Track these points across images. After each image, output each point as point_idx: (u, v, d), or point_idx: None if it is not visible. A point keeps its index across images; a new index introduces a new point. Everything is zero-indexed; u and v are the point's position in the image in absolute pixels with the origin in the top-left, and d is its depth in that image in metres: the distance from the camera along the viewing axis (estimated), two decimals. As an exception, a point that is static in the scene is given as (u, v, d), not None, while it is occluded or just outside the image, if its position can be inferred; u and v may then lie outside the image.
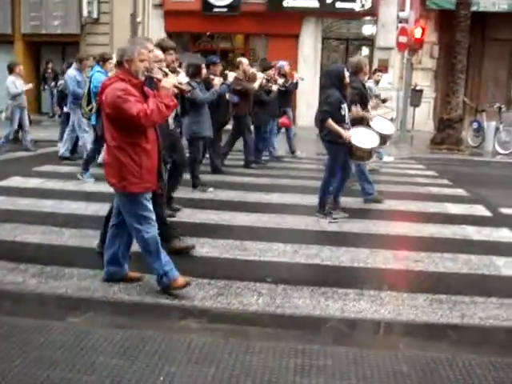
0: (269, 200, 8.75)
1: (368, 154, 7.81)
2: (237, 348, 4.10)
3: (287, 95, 13.02)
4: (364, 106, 8.34)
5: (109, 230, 5.29)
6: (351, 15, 20.19)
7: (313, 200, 8.06)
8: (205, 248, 6.29)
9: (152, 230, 4.94)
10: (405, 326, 4.70)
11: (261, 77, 11.29)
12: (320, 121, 7.65)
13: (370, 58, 20.42)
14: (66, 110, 12.75)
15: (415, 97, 18.81)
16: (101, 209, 7.06)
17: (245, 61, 11.52)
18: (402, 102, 17.68)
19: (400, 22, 18.10)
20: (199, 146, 9.21)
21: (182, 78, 5.49)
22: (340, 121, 7.50)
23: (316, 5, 19.83)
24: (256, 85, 11.05)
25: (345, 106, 7.62)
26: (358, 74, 8.31)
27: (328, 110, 7.49)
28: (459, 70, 16.36)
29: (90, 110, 9.59)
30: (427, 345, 4.38)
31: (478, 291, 5.39)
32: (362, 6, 19.63)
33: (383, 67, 19.08)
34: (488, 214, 8.54)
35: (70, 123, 11.92)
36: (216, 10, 20.25)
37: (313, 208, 7.92)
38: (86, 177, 9.88)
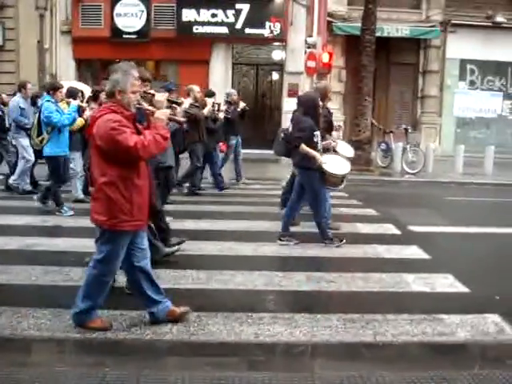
0: (184, 227, 8.67)
1: (341, 180, 7.90)
2: (151, 379, 4.01)
3: (231, 123, 12.98)
4: (330, 131, 8.46)
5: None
6: (261, 41, 20.47)
7: (229, 225, 8.06)
8: (118, 278, 6.14)
9: (109, 275, 4.80)
10: (319, 347, 4.72)
11: (210, 103, 11.31)
12: (294, 147, 7.73)
13: (280, 82, 20.77)
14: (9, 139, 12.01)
15: (325, 119, 19.18)
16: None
17: (196, 88, 11.41)
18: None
19: (308, 47, 18.53)
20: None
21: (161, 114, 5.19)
22: (313, 148, 7.60)
23: (225, 31, 20.01)
24: (205, 111, 11.00)
25: (318, 133, 7.72)
26: (324, 99, 8.42)
27: (301, 137, 7.58)
28: (366, 93, 16.88)
29: (41, 142, 9.24)
30: (342, 364, 4.43)
31: (390, 308, 5.51)
32: (271, 31, 19.94)
33: (293, 92, 19.42)
34: (397, 232, 8.79)
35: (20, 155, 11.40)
36: (125, 36, 20.10)
37: (227, 233, 7.89)
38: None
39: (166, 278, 6.15)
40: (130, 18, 20.04)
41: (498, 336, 4.98)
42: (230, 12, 19.91)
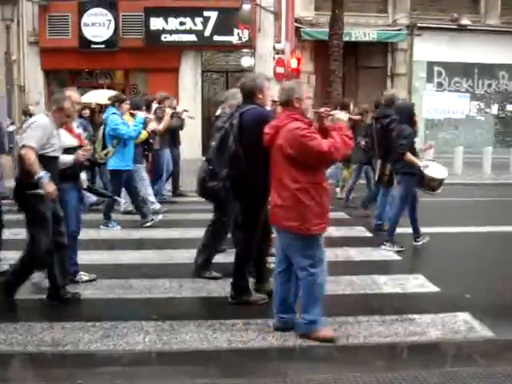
0: (154, 236, 8.64)
1: (439, 183, 8.07)
2: (124, 390, 4.00)
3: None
4: None
5: (277, 276, 5.06)
6: (229, 48, 20.51)
7: (196, 233, 8.01)
8: (88, 290, 6.11)
9: (323, 275, 4.84)
10: (292, 352, 4.74)
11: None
12: (400, 154, 7.86)
13: (251, 88, 20.76)
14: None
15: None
16: None
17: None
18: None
19: (277, 53, 18.60)
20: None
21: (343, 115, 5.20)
22: (414, 154, 7.90)
23: (194, 38, 20.02)
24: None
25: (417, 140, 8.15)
26: (391, 106, 8.58)
27: (405, 144, 7.78)
28: (335, 98, 17.00)
29: (106, 155, 8.82)
30: (315, 368, 4.45)
31: (362, 310, 5.56)
32: (240, 38, 19.99)
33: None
34: (368, 234, 8.86)
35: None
36: (94, 46, 19.99)
37: (196, 241, 7.88)
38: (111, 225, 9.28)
39: (138, 289, 6.13)
40: (98, 27, 19.92)
41: (468, 334, 5.06)
42: (198, 20, 19.93)
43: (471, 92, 23.03)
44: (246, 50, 20.79)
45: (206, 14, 19.92)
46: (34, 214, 5.39)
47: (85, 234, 6.93)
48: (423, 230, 8.23)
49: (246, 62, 20.87)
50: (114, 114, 9.14)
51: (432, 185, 8.02)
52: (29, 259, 5.48)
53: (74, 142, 5.96)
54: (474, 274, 6.89)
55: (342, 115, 4.91)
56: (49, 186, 5.22)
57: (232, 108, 6.18)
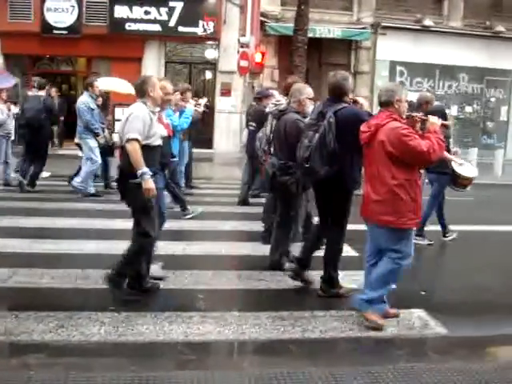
0: (111, 226, 8.53)
1: (470, 181, 8.29)
2: (79, 381, 3.94)
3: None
4: None
5: (368, 269, 5.34)
6: (194, 39, 20.39)
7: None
8: (44, 279, 6.02)
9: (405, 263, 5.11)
10: (248, 345, 4.76)
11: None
12: None
13: (213, 81, 20.73)
14: (76, 140, 11.50)
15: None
16: None
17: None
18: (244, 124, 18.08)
19: (241, 46, 18.59)
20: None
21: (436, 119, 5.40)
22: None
23: (158, 28, 19.85)
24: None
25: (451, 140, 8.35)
26: (420, 108, 8.44)
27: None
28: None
29: None
30: (270, 361, 4.47)
31: (318, 305, 5.60)
32: (204, 30, 19.89)
33: (226, 91, 19.47)
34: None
35: (85, 155, 11.08)
36: (56, 32, 19.66)
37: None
38: None
39: (94, 279, 6.05)
40: (61, 13, 19.59)
41: (422, 330, 5.15)
42: (163, 10, 19.77)
43: (432, 92, 23.32)
44: (210, 43, 20.70)
45: (171, 4, 19.77)
46: (139, 202, 5.42)
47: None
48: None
49: (210, 54, 20.78)
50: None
51: (465, 183, 8.32)
52: (136, 248, 5.55)
53: (164, 132, 5.92)
54: (430, 271, 7.03)
55: (435, 119, 5.17)
56: (150, 183, 5.27)
57: (301, 104, 6.45)
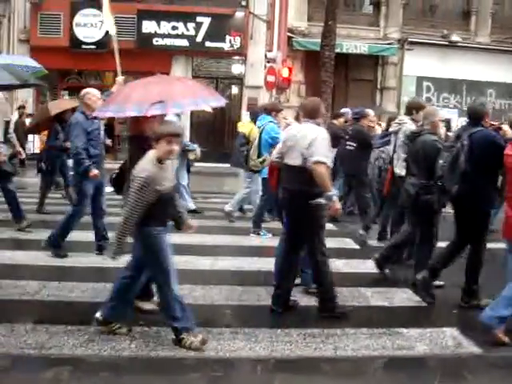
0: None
1: None
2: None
3: None
4: None
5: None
6: (221, 54, 20.52)
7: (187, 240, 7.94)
8: (74, 293, 6.04)
9: None
10: (280, 362, 4.69)
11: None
12: None
13: (240, 96, 20.79)
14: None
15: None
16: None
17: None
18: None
19: (268, 61, 18.64)
20: None
21: None
22: None
23: (185, 43, 20.01)
24: None
25: None
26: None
27: None
28: (325, 109, 17.00)
29: (262, 163, 8.93)
30: (302, 379, 4.42)
31: (349, 323, 5.53)
32: (231, 45, 20.01)
33: (252, 105, 19.48)
34: (356, 247, 8.84)
35: None
36: (85, 46, 19.91)
37: (184, 247, 7.82)
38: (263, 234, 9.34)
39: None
40: (90, 28, 19.88)
41: (456, 349, 5.04)
42: (191, 25, 19.94)
43: (459, 108, 23.18)
44: (236, 58, 20.80)
45: (198, 19, 19.94)
46: (316, 222, 5.61)
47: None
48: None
49: (236, 69, 20.88)
50: (271, 122, 9.27)
51: None
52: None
53: None
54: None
55: None
56: (337, 204, 5.60)
57: (435, 125, 6.74)
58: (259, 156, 9.12)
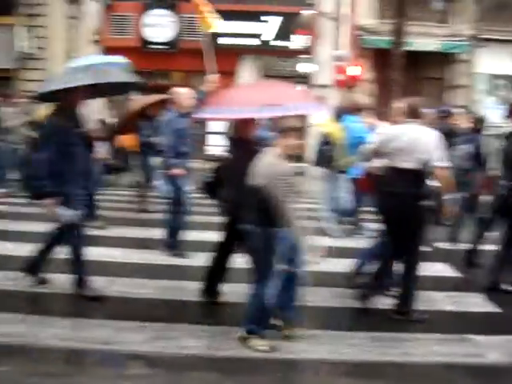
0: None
1: None
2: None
3: None
4: None
5: None
6: (287, 53, 20.45)
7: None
8: (142, 289, 6.12)
9: None
10: (344, 366, 4.61)
11: None
12: None
13: (307, 95, 20.63)
14: None
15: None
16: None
17: None
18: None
19: (336, 60, 18.45)
20: None
21: None
22: None
23: (253, 42, 20.04)
24: None
25: None
26: None
27: None
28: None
29: (350, 163, 8.78)
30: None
31: (420, 327, 5.40)
32: (299, 44, 19.91)
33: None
34: (426, 248, 8.60)
35: None
36: (154, 46, 20.22)
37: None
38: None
39: (191, 291, 6.03)
40: (159, 28, 20.16)
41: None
42: (258, 24, 19.94)
43: (534, 107, 22.37)
44: (303, 56, 20.68)
45: (265, 18, 19.90)
46: (421, 223, 5.65)
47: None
48: (487, 246, 7.89)
49: (303, 68, 20.76)
50: (356, 121, 9.26)
51: None
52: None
53: None
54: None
55: None
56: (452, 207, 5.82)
57: None
58: (345, 156, 8.90)
